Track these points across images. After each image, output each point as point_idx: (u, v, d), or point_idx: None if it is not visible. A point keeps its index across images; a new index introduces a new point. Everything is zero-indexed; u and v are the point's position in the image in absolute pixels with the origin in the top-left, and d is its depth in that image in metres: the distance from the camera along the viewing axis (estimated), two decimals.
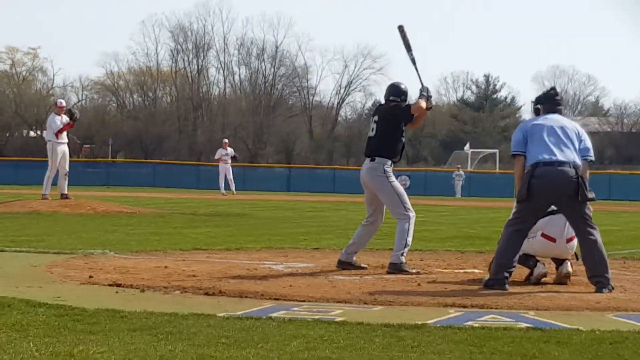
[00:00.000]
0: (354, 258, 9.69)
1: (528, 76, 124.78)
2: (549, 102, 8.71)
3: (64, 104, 21.42)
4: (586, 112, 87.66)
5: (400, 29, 9.93)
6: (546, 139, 8.31)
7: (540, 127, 8.41)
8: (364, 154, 9.89)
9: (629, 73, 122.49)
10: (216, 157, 36.42)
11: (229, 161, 35.57)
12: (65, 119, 20.72)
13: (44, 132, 21.21)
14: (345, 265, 9.60)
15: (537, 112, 8.73)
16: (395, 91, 9.87)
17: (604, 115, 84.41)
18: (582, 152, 8.38)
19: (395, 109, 9.69)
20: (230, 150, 36.06)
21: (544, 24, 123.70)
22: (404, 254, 9.34)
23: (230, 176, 35.62)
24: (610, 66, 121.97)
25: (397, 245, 9.36)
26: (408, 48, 9.90)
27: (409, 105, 9.66)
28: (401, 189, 9.64)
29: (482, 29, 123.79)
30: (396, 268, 9.24)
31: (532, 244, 8.55)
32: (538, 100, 8.81)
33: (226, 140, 37.39)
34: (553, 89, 8.98)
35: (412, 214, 9.53)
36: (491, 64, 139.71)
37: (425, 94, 9.60)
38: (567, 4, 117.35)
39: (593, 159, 8.47)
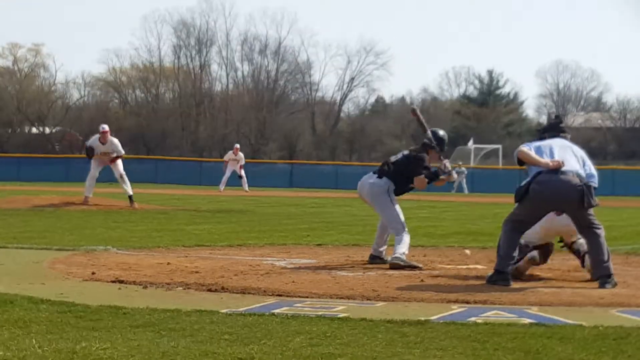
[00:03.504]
0: (384, 252, 9.85)
1: (531, 71, 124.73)
2: (553, 129, 8.79)
3: (106, 129, 21.09)
4: (589, 108, 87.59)
5: (413, 112, 10.15)
6: (552, 151, 8.36)
7: (547, 144, 8.48)
8: (376, 170, 9.96)
9: (632, 68, 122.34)
10: (225, 158, 36.18)
11: (236, 165, 35.25)
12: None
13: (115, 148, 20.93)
14: (375, 259, 9.76)
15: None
16: (436, 138, 9.94)
17: (607, 111, 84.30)
18: (587, 177, 8.32)
19: (413, 162, 9.82)
20: (240, 155, 35.67)
21: (547, 19, 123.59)
22: (405, 253, 9.44)
23: (242, 173, 35.29)
24: (613, 61, 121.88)
25: (397, 245, 9.49)
26: (424, 129, 10.01)
27: (419, 166, 9.76)
28: (399, 210, 9.79)
29: (484, 24, 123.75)
30: (399, 261, 9.30)
31: (538, 226, 8.53)
32: (544, 129, 8.91)
33: (237, 146, 37.14)
34: (557, 117, 9.14)
35: (407, 234, 9.66)
36: (494, 59, 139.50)
37: (443, 171, 9.79)
38: None
39: (597, 185, 8.36)
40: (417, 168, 9.79)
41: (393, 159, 10.00)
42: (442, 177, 9.83)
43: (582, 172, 8.26)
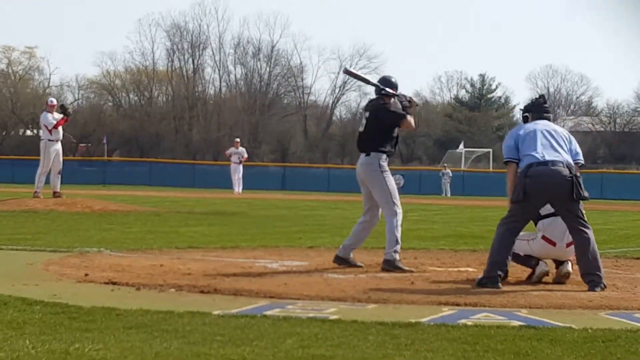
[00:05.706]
0: (351, 255, 9.73)
1: (522, 76, 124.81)
2: (537, 110, 8.82)
3: (54, 102, 21.78)
4: (579, 112, 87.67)
5: (347, 72, 11.01)
6: (538, 141, 8.39)
7: (532, 132, 8.50)
8: (357, 148, 9.88)
9: (622, 73, 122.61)
10: (227, 152, 36.48)
11: (238, 161, 35.42)
12: (58, 115, 21.03)
13: (40, 131, 21.31)
14: (341, 261, 9.64)
15: (525, 120, 8.81)
16: (388, 84, 9.87)
17: (597, 115, 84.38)
18: (572, 156, 8.45)
19: (382, 112, 9.70)
20: (242, 149, 35.91)
21: (538, 24, 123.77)
22: (397, 251, 9.39)
23: (239, 175, 35.46)
24: (603, 66, 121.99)
25: (389, 243, 9.40)
26: (366, 81, 10.30)
27: (394, 112, 9.67)
28: (393, 185, 9.65)
29: (476, 28, 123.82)
30: (390, 265, 9.29)
31: (531, 245, 8.61)
32: (526, 109, 8.93)
33: (238, 140, 37.17)
34: (542, 96, 9.07)
35: (399, 210, 9.57)
36: (486, 63, 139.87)
37: (406, 102, 9.66)
38: (561, 4, 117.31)
39: (583, 162, 8.56)
40: (392, 116, 9.64)
41: (361, 128, 9.83)
42: (409, 109, 9.66)
43: (571, 161, 8.33)
